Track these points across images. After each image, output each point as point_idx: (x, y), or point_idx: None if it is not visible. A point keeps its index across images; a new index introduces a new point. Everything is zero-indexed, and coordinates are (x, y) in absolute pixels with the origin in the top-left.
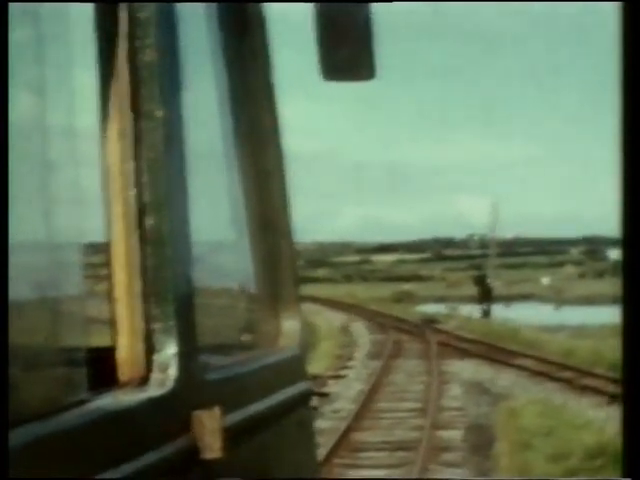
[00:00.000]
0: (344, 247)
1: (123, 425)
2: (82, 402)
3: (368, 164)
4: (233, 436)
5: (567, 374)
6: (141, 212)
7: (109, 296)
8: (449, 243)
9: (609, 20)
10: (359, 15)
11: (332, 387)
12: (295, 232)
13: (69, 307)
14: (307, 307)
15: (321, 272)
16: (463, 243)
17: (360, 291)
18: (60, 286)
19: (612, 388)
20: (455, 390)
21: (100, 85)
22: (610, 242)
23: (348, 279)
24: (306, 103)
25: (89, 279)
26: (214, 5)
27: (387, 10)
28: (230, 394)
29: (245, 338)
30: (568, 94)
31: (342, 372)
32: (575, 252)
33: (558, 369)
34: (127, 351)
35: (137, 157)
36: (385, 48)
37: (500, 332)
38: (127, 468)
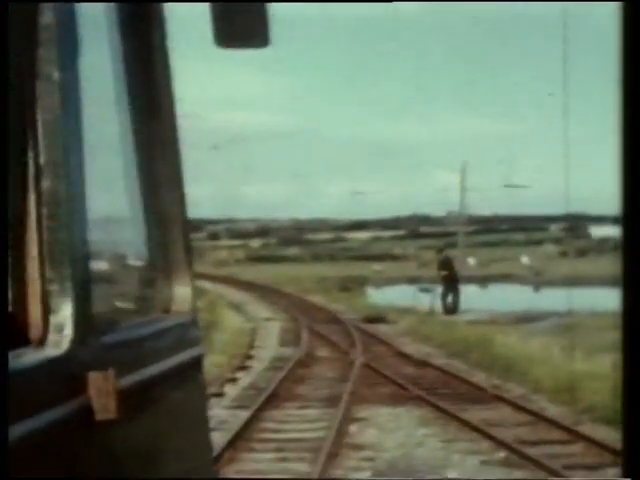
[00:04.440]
0: (321, 224)
1: (19, 385)
2: None
3: (348, 141)
4: (127, 398)
5: (575, 449)
6: (37, 174)
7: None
8: (426, 220)
9: None
10: None
11: None
12: (275, 209)
13: None
14: (237, 297)
15: (292, 251)
16: (441, 220)
17: (325, 272)
18: None
19: None
20: None
21: None
22: (590, 219)
23: (317, 258)
24: (287, 79)
25: None
26: None
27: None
28: (124, 357)
29: (139, 304)
30: (546, 72)
31: None
32: (555, 229)
33: (560, 439)
34: (25, 313)
35: (34, 119)
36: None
37: (466, 340)
38: (22, 428)
